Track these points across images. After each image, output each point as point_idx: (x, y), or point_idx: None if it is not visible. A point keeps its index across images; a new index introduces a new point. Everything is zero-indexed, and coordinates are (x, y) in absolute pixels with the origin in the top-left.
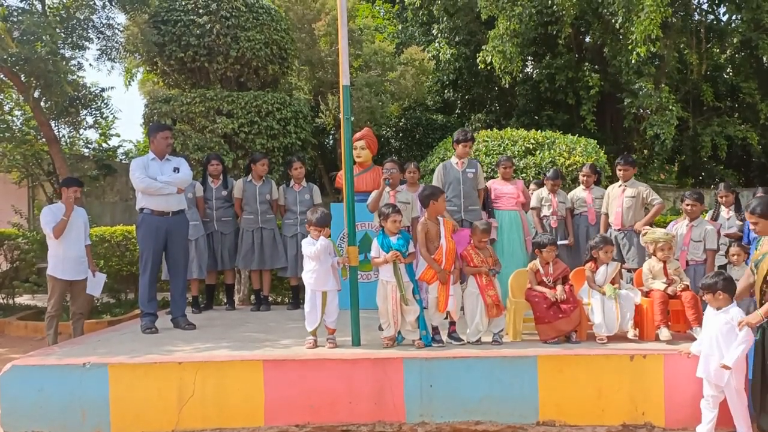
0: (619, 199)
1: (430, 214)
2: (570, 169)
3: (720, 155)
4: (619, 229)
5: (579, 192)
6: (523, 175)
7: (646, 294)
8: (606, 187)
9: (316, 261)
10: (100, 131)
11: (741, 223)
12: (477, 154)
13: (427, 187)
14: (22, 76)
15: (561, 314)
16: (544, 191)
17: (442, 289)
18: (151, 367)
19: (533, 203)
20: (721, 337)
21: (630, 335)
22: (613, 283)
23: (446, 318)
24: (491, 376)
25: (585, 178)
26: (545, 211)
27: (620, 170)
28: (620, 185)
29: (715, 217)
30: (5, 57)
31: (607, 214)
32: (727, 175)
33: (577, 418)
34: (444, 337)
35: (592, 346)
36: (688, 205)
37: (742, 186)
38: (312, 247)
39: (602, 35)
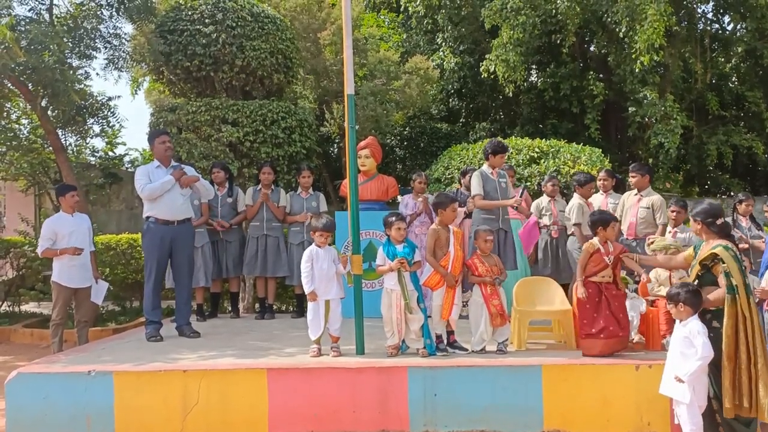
0: (634, 208)
1: (441, 221)
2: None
3: (726, 164)
4: (631, 238)
5: (597, 197)
6: (528, 183)
7: (652, 303)
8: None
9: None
10: (106, 140)
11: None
12: (481, 162)
13: (438, 195)
14: (29, 85)
15: (621, 331)
16: (543, 200)
17: (447, 296)
18: (155, 375)
19: (533, 213)
20: (678, 351)
21: (635, 340)
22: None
23: (446, 326)
24: (496, 386)
25: (602, 182)
26: (546, 221)
27: (631, 177)
28: (636, 194)
29: None
30: (13, 66)
31: (620, 222)
32: (733, 184)
33: (582, 428)
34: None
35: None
36: (673, 212)
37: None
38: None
39: (606, 44)
